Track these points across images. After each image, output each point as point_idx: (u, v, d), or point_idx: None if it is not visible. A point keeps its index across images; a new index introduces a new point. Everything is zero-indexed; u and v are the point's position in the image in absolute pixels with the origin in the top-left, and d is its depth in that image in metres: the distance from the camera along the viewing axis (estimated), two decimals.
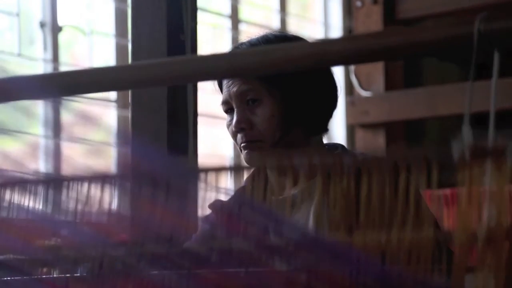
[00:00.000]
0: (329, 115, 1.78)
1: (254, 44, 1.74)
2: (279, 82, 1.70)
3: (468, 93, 1.04)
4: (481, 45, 1.02)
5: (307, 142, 1.74)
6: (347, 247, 1.08)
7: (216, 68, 1.19)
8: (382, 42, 1.08)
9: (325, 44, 1.17)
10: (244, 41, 1.80)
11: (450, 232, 1.03)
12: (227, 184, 1.21)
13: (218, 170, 1.14)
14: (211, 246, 1.16)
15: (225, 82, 1.76)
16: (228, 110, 1.76)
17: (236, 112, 1.73)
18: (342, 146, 1.80)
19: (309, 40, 1.75)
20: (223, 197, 1.75)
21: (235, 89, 1.72)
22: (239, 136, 1.73)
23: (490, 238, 0.99)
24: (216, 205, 1.77)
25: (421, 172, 1.03)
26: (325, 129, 1.78)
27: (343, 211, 1.09)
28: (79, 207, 1.22)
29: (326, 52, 1.13)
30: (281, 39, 1.75)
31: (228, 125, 1.76)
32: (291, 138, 1.72)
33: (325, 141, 1.83)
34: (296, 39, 1.78)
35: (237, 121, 1.72)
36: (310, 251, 1.10)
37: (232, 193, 1.76)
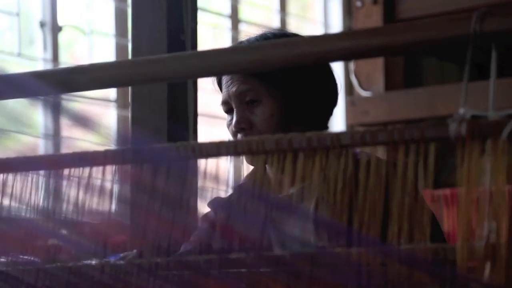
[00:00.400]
0: (329, 112, 1.78)
1: (253, 43, 1.74)
2: (278, 81, 1.70)
3: (464, 85, 1.04)
4: (478, 42, 1.02)
5: None
6: (348, 256, 1.08)
7: (213, 64, 1.19)
8: (377, 40, 1.08)
9: (321, 40, 1.16)
10: (243, 39, 1.80)
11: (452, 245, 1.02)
12: (226, 173, 1.21)
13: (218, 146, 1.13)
14: (210, 257, 1.15)
15: (224, 82, 1.76)
16: (228, 110, 1.76)
17: (236, 112, 1.73)
18: None
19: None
20: (222, 194, 1.75)
21: (234, 89, 1.72)
22: (239, 136, 1.73)
23: (489, 251, 0.99)
24: (215, 204, 1.77)
25: (418, 151, 1.03)
26: (325, 127, 1.78)
27: (342, 195, 1.09)
28: (79, 202, 1.21)
29: (321, 49, 1.13)
30: (280, 38, 1.75)
31: (228, 125, 1.76)
32: None
33: None
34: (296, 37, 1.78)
35: (237, 121, 1.72)
36: (310, 261, 1.10)
37: (231, 187, 1.77)
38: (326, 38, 1.16)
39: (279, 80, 1.69)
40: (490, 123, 0.99)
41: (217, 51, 1.20)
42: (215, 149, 1.13)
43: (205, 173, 1.17)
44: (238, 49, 1.22)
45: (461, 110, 1.02)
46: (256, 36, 1.77)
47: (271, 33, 1.77)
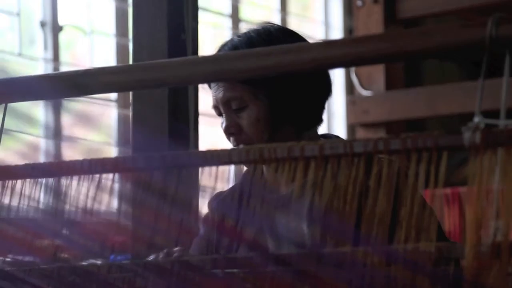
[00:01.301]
0: (320, 107, 1.74)
1: (236, 47, 1.70)
2: (264, 85, 1.67)
3: (479, 94, 1.04)
4: (494, 49, 1.02)
5: (300, 137, 1.69)
6: (353, 256, 1.08)
7: (224, 70, 1.18)
8: (392, 46, 1.07)
9: (328, 47, 1.15)
10: (227, 41, 1.75)
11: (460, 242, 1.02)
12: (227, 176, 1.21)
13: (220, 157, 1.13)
14: (215, 257, 1.15)
15: (212, 86, 1.74)
16: (220, 113, 1.75)
17: (224, 117, 1.72)
18: (337, 137, 1.78)
19: (308, 40, 1.73)
20: (221, 191, 1.75)
21: (220, 95, 1.70)
22: (231, 139, 1.73)
23: (495, 251, 0.99)
24: (214, 204, 1.76)
25: (431, 159, 1.03)
26: (318, 121, 1.75)
27: (351, 199, 1.09)
28: (80, 204, 1.21)
29: (329, 56, 1.12)
30: (265, 38, 1.71)
31: (222, 128, 1.75)
32: (282, 135, 1.68)
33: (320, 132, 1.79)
34: (281, 33, 1.73)
35: (226, 127, 1.71)
36: (316, 261, 1.10)
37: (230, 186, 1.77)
38: (338, 43, 1.16)
39: (265, 83, 1.66)
40: (504, 131, 0.99)
41: (227, 56, 1.20)
42: (227, 157, 1.13)
43: (208, 175, 1.17)
44: (248, 54, 1.21)
45: (476, 119, 1.02)
46: (240, 36, 1.73)
47: (255, 32, 1.73)
